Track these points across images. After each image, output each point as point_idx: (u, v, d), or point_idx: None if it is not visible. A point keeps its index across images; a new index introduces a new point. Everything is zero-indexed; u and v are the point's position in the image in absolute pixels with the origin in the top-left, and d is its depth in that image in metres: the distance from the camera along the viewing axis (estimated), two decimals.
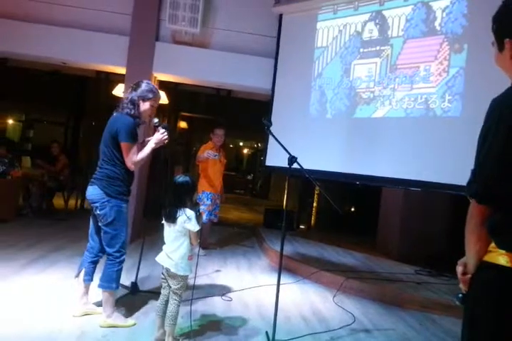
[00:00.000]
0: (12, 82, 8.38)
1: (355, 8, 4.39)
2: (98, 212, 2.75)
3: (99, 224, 2.79)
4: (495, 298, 1.21)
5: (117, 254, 2.79)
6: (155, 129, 2.94)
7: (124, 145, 2.72)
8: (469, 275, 1.31)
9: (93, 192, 2.76)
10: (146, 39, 5.44)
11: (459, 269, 1.35)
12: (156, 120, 3.00)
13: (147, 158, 2.86)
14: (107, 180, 2.75)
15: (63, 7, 5.40)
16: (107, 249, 2.79)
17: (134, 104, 2.81)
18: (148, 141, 2.91)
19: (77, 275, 2.91)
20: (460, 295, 1.33)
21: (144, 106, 2.86)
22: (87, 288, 2.90)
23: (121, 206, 2.79)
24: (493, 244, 1.25)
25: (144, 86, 2.86)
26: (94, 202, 2.76)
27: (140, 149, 2.83)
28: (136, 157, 2.77)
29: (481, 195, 1.25)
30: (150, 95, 2.87)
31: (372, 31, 4.09)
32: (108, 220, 2.74)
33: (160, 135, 2.87)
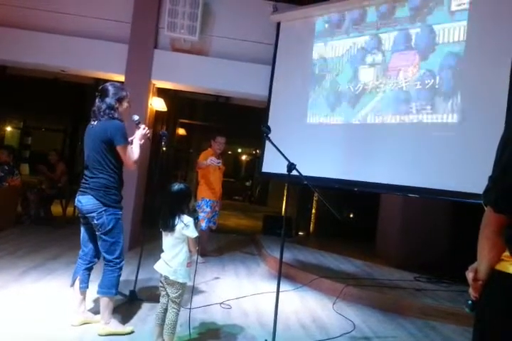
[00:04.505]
0: (10, 89, 8.39)
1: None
2: (95, 221, 2.73)
3: (97, 233, 2.77)
4: (504, 309, 1.19)
5: (117, 261, 2.78)
6: (136, 126, 2.96)
7: (121, 147, 2.73)
8: (480, 282, 1.28)
9: (88, 202, 2.73)
10: (145, 47, 5.46)
11: (470, 275, 1.32)
12: (136, 117, 3.01)
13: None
14: (104, 190, 2.73)
15: (62, 15, 5.42)
16: (107, 256, 2.78)
17: (113, 108, 2.79)
18: (132, 140, 2.91)
19: (73, 284, 2.88)
20: (470, 302, 1.30)
21: (123, 106, 2.86)
22: (83, 295, 2.88)
23: (117, 213, 2.79)
24: (506, 253, 1.23)
25: (111, 88, 2.83)
26: (91, 212, 2.73)
27: None
28: (135, 155, 2.80)
29: (500, 204, 1.21)
30: (124, 93, 2.87)
31: (370, 46, 4.71)
32: (106, 229, 2.73)
33: (142, 131, 2.92)
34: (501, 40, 3.74)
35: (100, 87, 2.88)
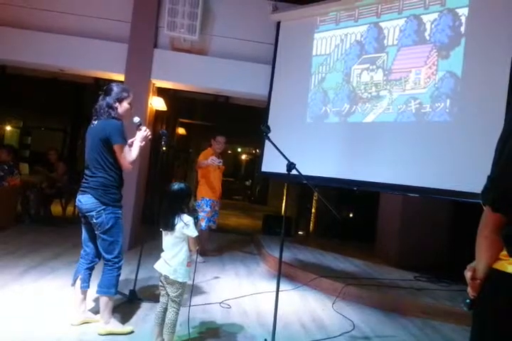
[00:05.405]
0: (10, 88, 8.38)
1: (355, 20, 4.69)
2: (94, 220, 2.73)
3: (96, 232, 2.77)
4: (503, 308, 1.19)
5: (116, 260, 2.79)
6: (137, 128, 2.95)
7: (118, 146, 2.73)
8: (478, 281, 1.29)
9: (88, 201, 2.74)
10: (145, 46, 5.46)
11: (468, 274, 1.32)
12: (137, 119, 3.00)
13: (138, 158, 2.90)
14: (103, 189, 2.73)
15: (62, 14, 5.42)
16: (106, 256, 2.78)
17: (112, 107, 2.80)
18: (133, 141, 2.91)
19: (74, 284, 2.89)
20: (468, 300, 1.31)
21: (122, 107, 2.86)
22: (84, 295, 2.88)
23: (117, 212, 2.79)
24: (504, 252, 1.23)
25: (115, 88, 2.85)
26: (90, 211, 2.74)
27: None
28: (132, 156, 2.79)
29: (499, 203, 1.22)
30: (125, 94, 2.87)
31: (369, 40, 4.50)
32: (105, 228, 2.73)
33: (143, 133, 2.91)
34: (500, 38, 3.71)
35: (105, 87, 2.90)
